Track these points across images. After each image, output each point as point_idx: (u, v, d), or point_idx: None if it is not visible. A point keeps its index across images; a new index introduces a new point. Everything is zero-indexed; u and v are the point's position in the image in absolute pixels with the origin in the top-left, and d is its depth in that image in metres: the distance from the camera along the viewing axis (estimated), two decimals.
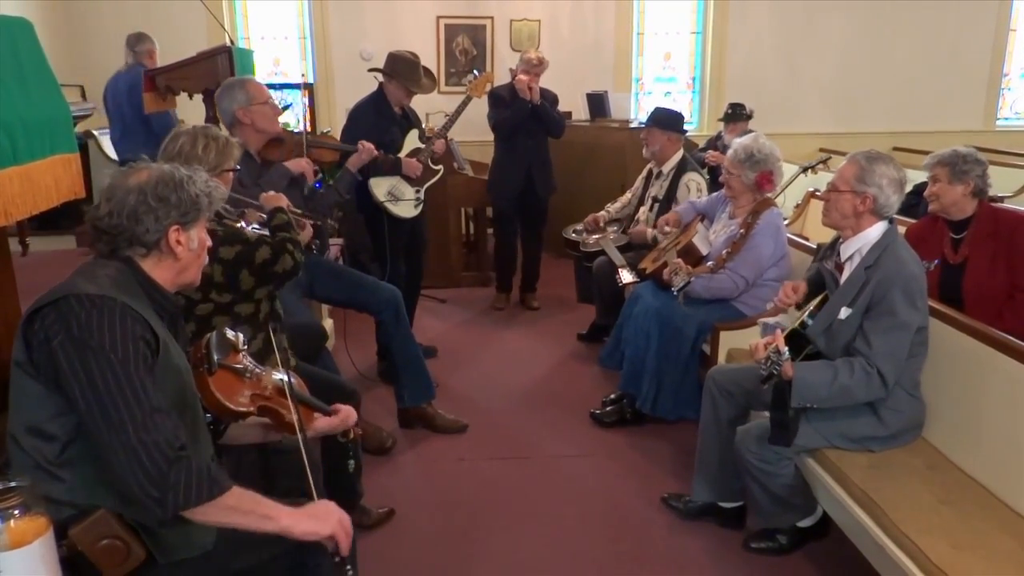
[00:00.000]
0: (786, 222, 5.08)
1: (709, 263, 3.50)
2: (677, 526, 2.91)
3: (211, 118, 4.06)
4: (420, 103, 4.59)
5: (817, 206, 4.99)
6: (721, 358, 3.33)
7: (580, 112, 7.15)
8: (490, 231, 5.80)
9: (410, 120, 4.33)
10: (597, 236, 4.59)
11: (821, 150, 7.38)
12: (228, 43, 4.32)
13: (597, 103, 7.05)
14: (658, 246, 4.02)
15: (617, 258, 4.17)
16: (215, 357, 1.76)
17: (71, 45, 6.89)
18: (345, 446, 2.26)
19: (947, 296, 2.92)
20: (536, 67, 4.96)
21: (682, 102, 8.34)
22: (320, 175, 6.07)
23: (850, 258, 2.53)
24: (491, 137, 5.27)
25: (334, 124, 6.98)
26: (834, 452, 2.46)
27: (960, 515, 2.16)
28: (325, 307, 4.29)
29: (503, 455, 3.45)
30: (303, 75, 7.40)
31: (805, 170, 5.76)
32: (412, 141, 4.24)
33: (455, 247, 5.99)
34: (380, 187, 4.13)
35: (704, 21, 8.09)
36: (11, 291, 2.20)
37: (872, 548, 2.22)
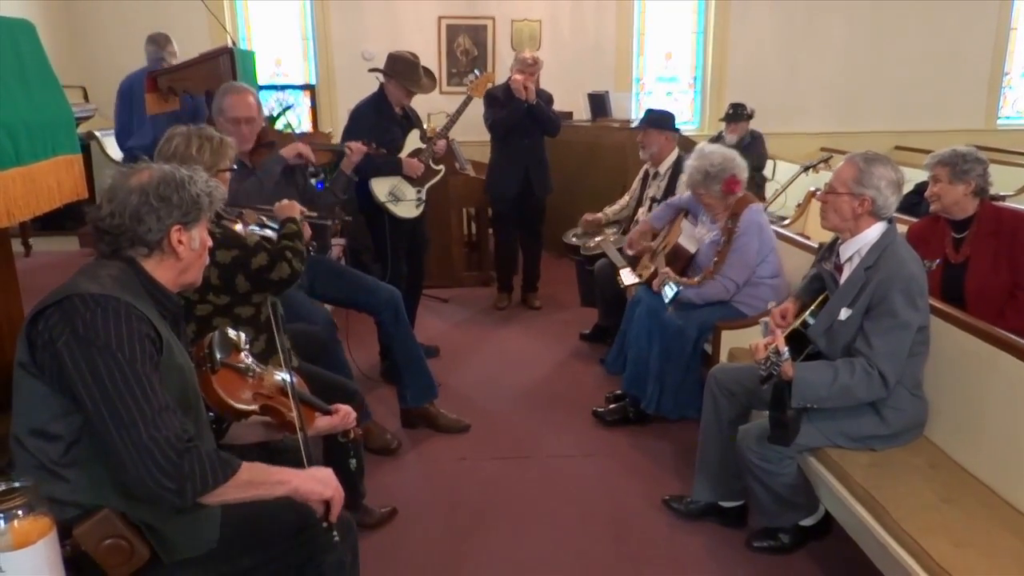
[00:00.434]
0: (787, 222, 5.11)
1: (696, 277, 3.51)
2: (679, 526, 2.91)
3: (212, 119, 4.07)
4: (421, 103, 4.59)
5: (818, 206, 4.97)
6: (723, 357, 3.33)
7: (581, 112, 7.15)
8: (491, 231, 5.80)
9: (411, 120, 4.33)
10: (598, 238, 4.59)
11: (822, 149, 7.38)
12: (230, 44, 4.33)
13: (598, 103, 7.05)
14: (651, 248, 4.03)
15: (618, 260, 4.17)
16: (218, 356, 1.77)
17: (73, 46, 6.91)
18: (346, 446, 2.27)
19: (949, 295, 2.92)
20: (531, 67, 4.96)
21: (683, 102, 8.34)
22: (321, 176, 6.07)
23: (849, 259, 2.53)
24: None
25: (336, 125, 6.99)
26: (836, 451, 2.46)
27: (962, 513, 2.16)
28: (327, 307, 4.29)
29: (505, 455, 3.45)
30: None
31: (806, 169, 5.75)
32: (413, 141, 4.24)
33: (457, 247, 5.99)
34: (381, 187, 4.14)
35: (705, 21, 8.09)
36: (14, 292, 2.21)
37: (874, 547, 2.22)
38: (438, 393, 3.66)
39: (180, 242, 1.68)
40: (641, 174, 4.71)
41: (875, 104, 8.26)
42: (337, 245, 4.77)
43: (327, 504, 1.71)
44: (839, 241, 2.60)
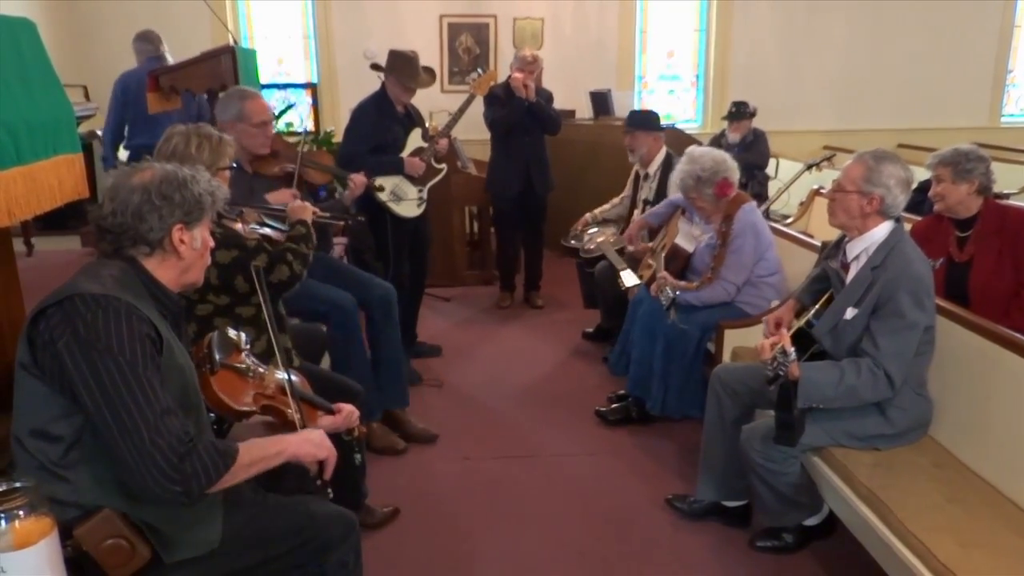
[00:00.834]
0: (790, 220, 5.10)
1: (695, 282, 3.49)
2: (682, 525, 2.90)
3: (214, 118, 4.07)
4: (423, 102, 4.58)
5: (821, 203, 4.97)
6: (726, 357, 3.32)
7: (583, 110, 7.14)
8: (493, 230, 5.79)
9: (413, 119, 4.32)
10: (599, 239, 4.57)
11: (825, 147, 7.36)
12: (232, 43, 4.32)
13: (600, 101, 7.03)
14: (649, 248, 4.02)
15: (617, 262, 4.15)
16: (217, 356, 1.76)
17: (74, 45, 6.90)
18: (349, 444, 2.26)
19: (953, 294, 2.91)
20: (531, 65, 4.96)
21: (685, 100, 8.33)
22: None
23: (856, 258, 2.52)
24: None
25: (337, 124, 6.98)
26: (840, 450, 2.45)
27: (967, 513, 2.15)
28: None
29: (507, 454, 3.45)
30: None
31: (809, 167, 5.75)
32: (415, 140, 4.23)
33: (459, 246, 5.99)
34: (383, 186, 4.12)
35: (707, 18, 8.07)
36: (15, 292, 2.20)
37: (879, 546, 2.21)
38: (409, 403, 3.58)
39: (182, 241, 1.68)
40: (632, 176, 4.69)
41: (878, 102, 8.24)
42: (339, 244, 4.76)
43: (321, 465, 1.77)
44: (846, 239, 2.59)
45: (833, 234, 2.77)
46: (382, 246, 4.22)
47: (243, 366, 1.85)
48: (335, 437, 2.21)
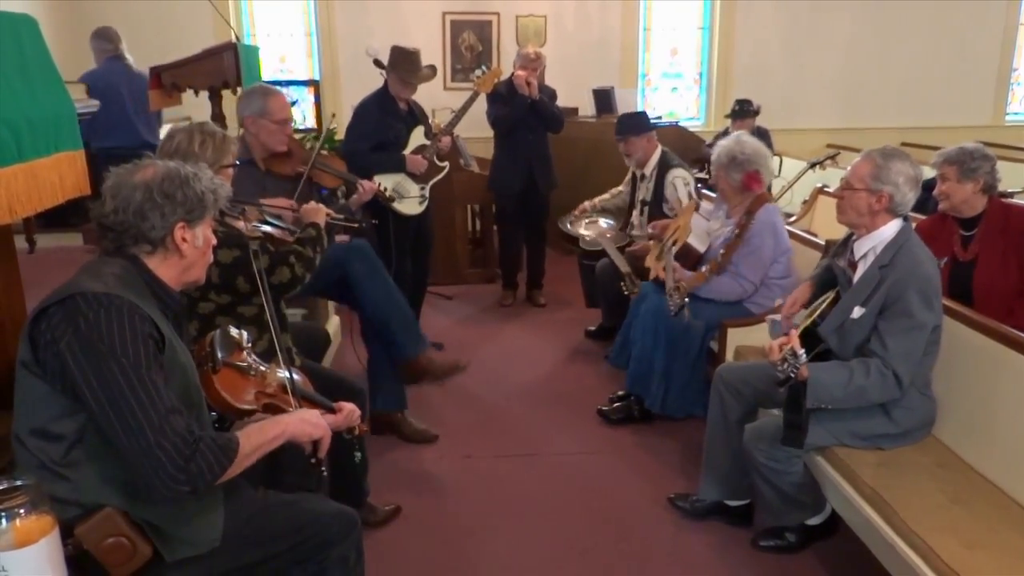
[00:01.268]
0: (793, 218, 5.08)
1: (704, 268, 3.47)
2: (684, 524, 2.90)
3: (216, 115, 4.06)
4: (426, 99, 4.57)
5: (825, 202, 4.96)
6: (729, 356, 3.31)
7: (586, 108, 7.13)
8: (495, 228, 5.79)
9: (415, 116, 4.31)
10: (598, 229, 4.54)
11: (829, 145, 7.34)
12: (234, 40, 4.31)
13: (603, 99, 7.02)
14: (660, 242, 4.01)
15: (623, 265, 4.14)
16: (219, 355, 1.76)
17: (76, 42, 6.87)
18: (351, 443, 2.25)
19: (957, 294, 2.89)
20: (533, 62, 4.94)
21: (688, 98, 8.32)
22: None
23: (864, 256, 2.50)
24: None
25: (340, 121, 6.97)
26: (844, 450, 2.45)
27: (971, 513, 2.15)
28: (332, 305, 4.28)
29: (509, 452, 3.44)
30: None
31: (813, 166, 5.73)
32: (418, 138, 4.23)
33: (461, 244, 5.98)
34: (385, 184, 4.12)
35: (711, 16, 8.07)
36: (17, 289, 2.20)
37: (882, 546, 2.20)
38: (407, 405, 3.54)
39: (184, 240, 1.67)
40: (628, 176, 4.68)
41: (882, 100, 8.22)
42: (340, 241, 4.75)
43: (316, 444, 1.79)
44: (853, 238, 2.58)
45: (837, 232, 2.76)
46: (384, 244, 4.22)
47: (245, 364, 1.85)
48: (336, 436, 2.21)
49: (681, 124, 7.49)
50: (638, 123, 4.43)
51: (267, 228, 2.47)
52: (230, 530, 1.69)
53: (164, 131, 5.30)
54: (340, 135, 6.62)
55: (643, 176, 4.49)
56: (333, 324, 4.28)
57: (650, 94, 8.21)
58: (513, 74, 4.93)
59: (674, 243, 3.62)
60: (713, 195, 4.48)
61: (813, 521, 2.69)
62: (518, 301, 5.54)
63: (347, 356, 3.89)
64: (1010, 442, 2.26)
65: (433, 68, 4.32)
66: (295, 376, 1.94)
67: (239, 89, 4.12)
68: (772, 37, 7.98)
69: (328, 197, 3.54)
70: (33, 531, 1.36)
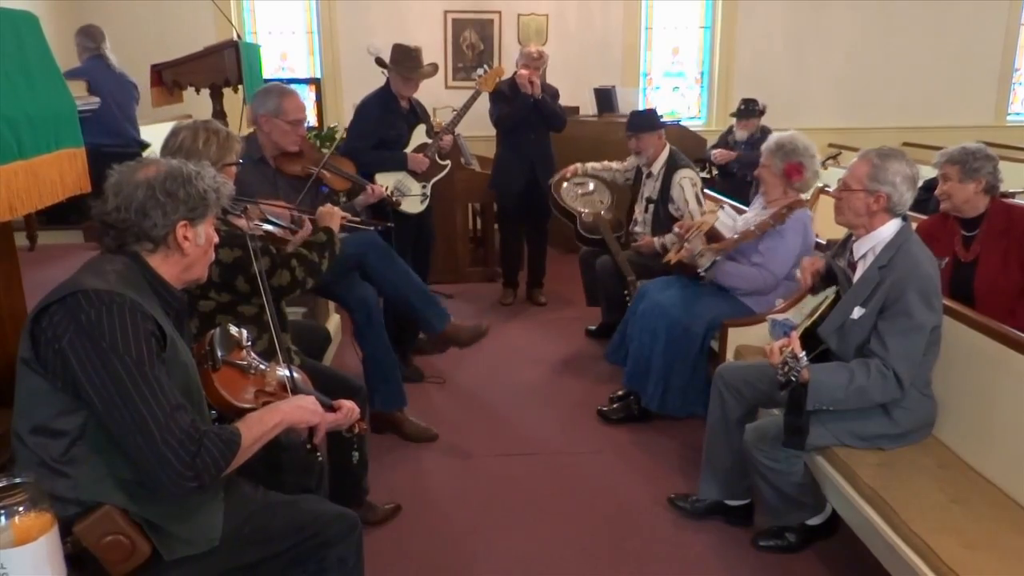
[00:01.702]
0: None
1: (735, 235, 3.42)
2: (684, 524, 2.90)
3: (217, 113, 4.06)
4: (427, 98, 4.57)
5: (826, 202, 4.96)
6: (729, 355, 3.31)
7: (587, 107, 7.13)
8: (496, 226, 5.79)
9: (417, 115, 4.31)
10: (601, 211, 4.52)
11: (830, 145, 7.34)
12: (235, 38, 4.31)
13: (605, 98, 7.02)
14: (683, 237, 3.98)
15: (628, 272, 4.13)
16: (219, 353, 1.76)
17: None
18: (350, 441, 2.25)
19: (958, 294, 2.89)
20: (536, 61, 4.94)
21: (690, 97, 8.31)
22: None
23: (863, 257, 2.50)
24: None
25: (341, 120, 6.97)
26: (844, 450, 2.44)
27: (971, 514, 2.14)
28: (332, 304, 4.28)
29: (509, 451, 3.44)
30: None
31: None
32: (420, 136, 4.23)
33: (462, 242, 5.98)
34: (386, 182, 4.11)
35: (712, 15, 8.06)
36: (17, 287, 2.20)
37: (882, 547, 2.20)
38: (407, 402, 3.53)
39: (186, 238, 1.67)
40: (633, 168, 4.65)
41: (883, 100, 8.21)
42: (341, 240, 4.74)
43: (312, 430, 1.82)
44: (852, 238, 2.58)
45: (837, 232, 2.76)
46: (385, 242, 4.21)
47: (245, 363, 1.85)
48: (336, 434, 2.21)
49: (683, 123, 7.49)
50: (650, 120, 4.43)
51: (268, 227, 2.46)
52: (229, 530, 1.69)
53: (152, 130, 5.33)
54: (340, 133, 6.64)
55: (649, 173, 4.48)
56: (333, 322, 4.28)
57: (651, 93, 8.20)
58: (516, 73, 4.93)
59: (697, 230, 3.59)
60: (716, 195, 4.48)
61: (813, 521, 2.69)
62: (518, 300, 5.54)
63: (347, 355, 3.89)
64: (1010, 442, 2.26)
65: (435, 65, 4.31)
66: (295, 375, 1.93)
67: (240, 87, 4.12)
68: (774, 37, 7.97)
69: (329, 196, 3.54)
70: (32, 529, 1.36)
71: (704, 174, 6.00)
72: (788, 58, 8.03)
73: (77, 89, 2.29)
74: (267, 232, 2.46)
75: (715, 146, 6.21)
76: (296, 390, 1.88)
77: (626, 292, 4.04)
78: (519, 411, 3.85)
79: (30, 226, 5.99)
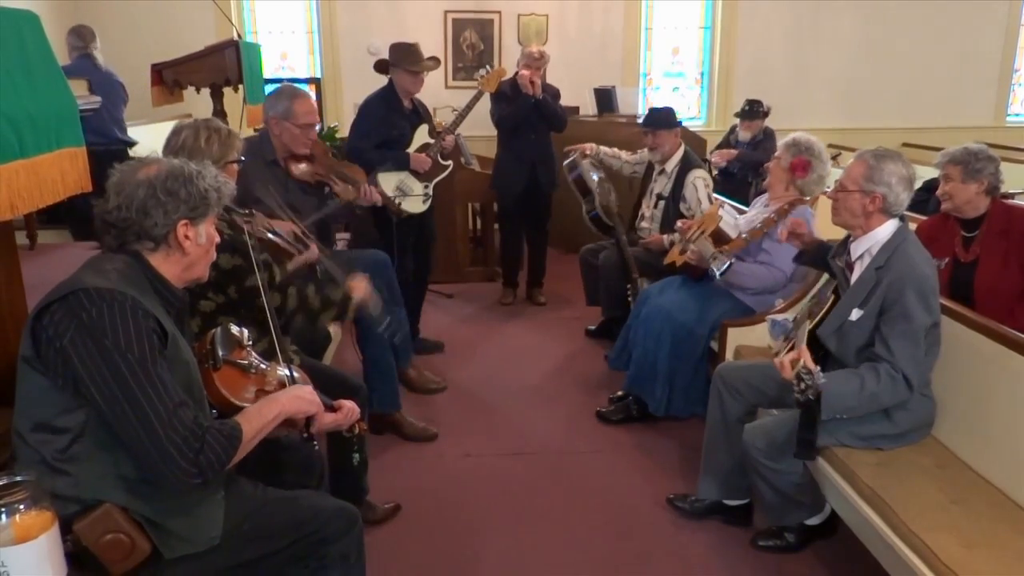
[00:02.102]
0: None
1: (744, 235, 3.42)
2: (684, 524, 2.90)
3: (217, 112, 4.06)
4: (427, 98, 4.57)
5: (825, 202, 4.94)
6: (729, 355, 3.31)
7: (587, 107, 7.12)
8: (496, 226, 5.79)
9: (420, 115, 4.31)
10: (610, 195, 4.53)
11: (830, 146, 7.28)
12: (236, 37, 4.32)
13: (604, 98, 7.02)
14: (661, 241, 3.99)
15: (634, 269, 4.13)
16: (220, 353, 1.76)
17: None
18: (350, 441, 2.25)
19: (958, 295, 2.89)
20: (537, 61, 4.94)
21: (690, 97, 8.30)
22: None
23: (860, 257, 2.51)
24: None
25: (341, 119, 6.98)
26: (843, 450, 2.44)
27: (970, 514, 2.15)
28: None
29: (509, 451, 3.44)
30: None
31: None
32: (423, 136, 4.23)
33: (462, 242, 5.98)
34: (388, 182, 4.12)
35: (713, 16, 8.05)
36: (17, 286, 2.20)
37: (881, 547, 2.20)
38: (400, 406, 3.53)
39: (187, 237, 1.67)
40: (643, 162, 4.65)
41: (883, 101, 8.21)
42: (341, 239, 4.76)
43: (309, 420, 1.83)
44: (850, 238, 2.58)
45: (836, 233, 2.76)
46: (387, 242, 4.22)
47: (246, 362, 1.85)
48: (335, 434, 2.21)
49: (683, 124, 7.48)
50: (668, 118, 4.45)
51: (272, 236, 2.46)
52: (229, 527, 1.69)
53: (152, 129, 5.32)
54: (341, 133, 6.64)
55: (662, 170, 4.48)
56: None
57: (651, 93, 8.20)
58: (517, 73, 4.93)
59: (701, 231, 3.60)
60: (716, 196, 4.47)
61: (812, 521, 2.69)
62: (518, 299, 5.54)
63: (347, 354, 3.89)
64: (1009, 442, 2.26)
65: (436, 59, 4.32)
66: (295, 374, 1.94)
67: (240, 87, 4.12)
68: (774, 37, 7.97)
69: (329, 192, 3.54)
70: (33, 527, 1.37)
71: None
72: (788, 58, 8.02)
73: (78, 88, 2.29)
74: (271, 241, 2.46)
75: (718, 147, 6.22)
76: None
77: (628, 288, 4.03)
78: (519, 411, 3.85)
79: (30, 225, 5.99)
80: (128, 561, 1.55)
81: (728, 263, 3.29)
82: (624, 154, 4.79)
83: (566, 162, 4.80)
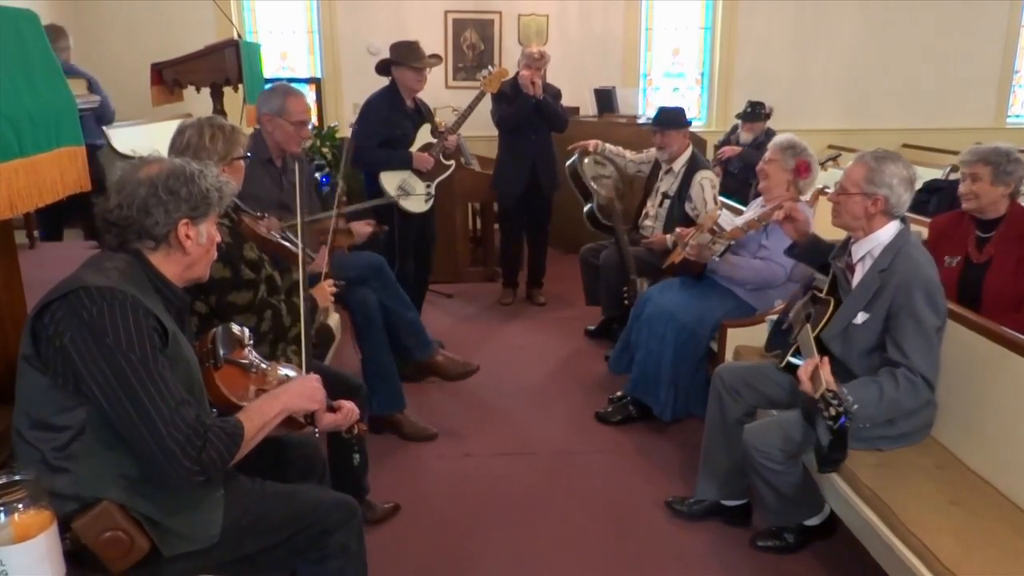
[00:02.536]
0: None
1: (742, 223, 3.42)
2: (683, 524, 2.90)
3: (218, 112, 4.06)
4: (428, 98, 4.57)
5: (825, 204, 4.94)
6: (728, 356, 3.31)
7: (588, 107, 7.12)
8: (496, 226, 5.79)
9: (422, 114, 4.31)
10: (613, 196, 4.54)
11: (830, 147, 7.34)
12: (236, 37, 4.32)
13: (605, 98, 7.02)
14: (682, 239, 3.97)
15: (632, 270, 4.12)
16: (221, 352, 1.76)
17: (78, 37, 6.87)
18: (349, 441, 2.25)
19: (966, 295, 2.87)
20: (538, 61, 4.94)
21: (690, 98, 8.30)
22: (327, 170, 6.01)
23: (861, 259, 2.50)
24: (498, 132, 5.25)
25: (341, 119, 6.98)
26: None
27: (970, 515, 2.15)
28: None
29: (509, 451, 3.44)
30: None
31: None
32: (425, 136, 4.23)
33: (462, 242, 5.98)
34: (391, 181, 4.12)
35: (713, 16, 8.05)
36: (17, 285, 2.20)
37: (880, 547, 2.20)
38: (405, 405, 3.52)
39: (187, 236, 1.67)
40: (650, 161, 4.65)
41: (883, 101, 8.21)
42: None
43: (311, 414, 1.85)
44: (852, 240, 2.57)
45: (835, 233, 2.75)
46: (389, 242, 4.22)
47: (246, 362, 1.85)
48: (335, 435, 2.21)
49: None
50: (678, 118, 4.45)
51: (285, 243, 2.46)
52: (228, 522, 1.69)
53: (152, 129, 5.30)
54: (341, 133, 6.64)
55: (669, 170, 4.47)
56: (334, 321, 4.27)
57: (652, 94, 8.20)
58: (518, 73, 4.93)
59: (700, 231, 3.60)
60: (722, 199, 4.47)
61: (812, 522, 2.69)
62: (518, 300, 5.54)
63: (347, 353, 3.89)
64: (1008, 444, 2.26)
65: (438, 56, 4.32)
66: (294, 374, 1.94)
67: (240, 86, 4.12)
68: (774, 38, 7.97)
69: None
70: (32, 526, 1.37)
71: None
72: (788, 59, 8.02)
73: (77, 87, 2.28)
74: (282, 246, 2.45)
75: (721, 145, 6.22)
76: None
77: (625, 289, 4.03)
78: (518, 411, 3.85)
79: (29, 224, 5.99)
80: (127, 559, 1.55)
81: (727, 245, 3.30)
82: (628, 153, 4.79)
83: (568, 161, 4.79)
